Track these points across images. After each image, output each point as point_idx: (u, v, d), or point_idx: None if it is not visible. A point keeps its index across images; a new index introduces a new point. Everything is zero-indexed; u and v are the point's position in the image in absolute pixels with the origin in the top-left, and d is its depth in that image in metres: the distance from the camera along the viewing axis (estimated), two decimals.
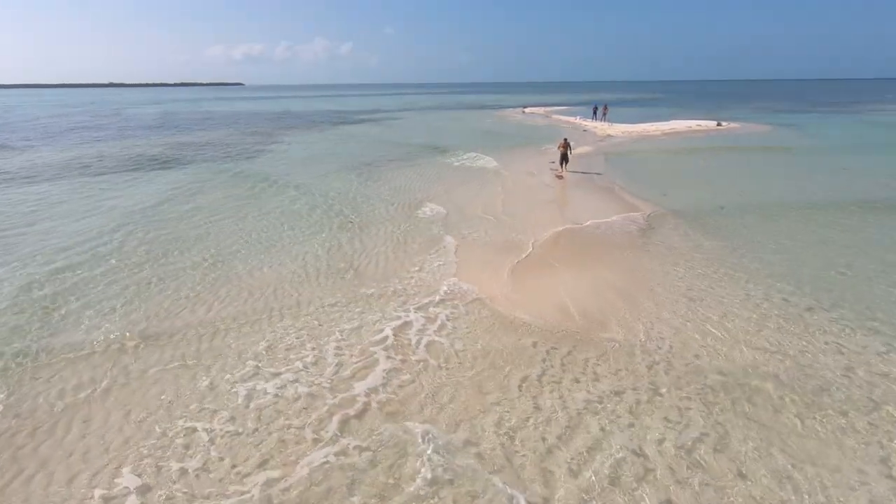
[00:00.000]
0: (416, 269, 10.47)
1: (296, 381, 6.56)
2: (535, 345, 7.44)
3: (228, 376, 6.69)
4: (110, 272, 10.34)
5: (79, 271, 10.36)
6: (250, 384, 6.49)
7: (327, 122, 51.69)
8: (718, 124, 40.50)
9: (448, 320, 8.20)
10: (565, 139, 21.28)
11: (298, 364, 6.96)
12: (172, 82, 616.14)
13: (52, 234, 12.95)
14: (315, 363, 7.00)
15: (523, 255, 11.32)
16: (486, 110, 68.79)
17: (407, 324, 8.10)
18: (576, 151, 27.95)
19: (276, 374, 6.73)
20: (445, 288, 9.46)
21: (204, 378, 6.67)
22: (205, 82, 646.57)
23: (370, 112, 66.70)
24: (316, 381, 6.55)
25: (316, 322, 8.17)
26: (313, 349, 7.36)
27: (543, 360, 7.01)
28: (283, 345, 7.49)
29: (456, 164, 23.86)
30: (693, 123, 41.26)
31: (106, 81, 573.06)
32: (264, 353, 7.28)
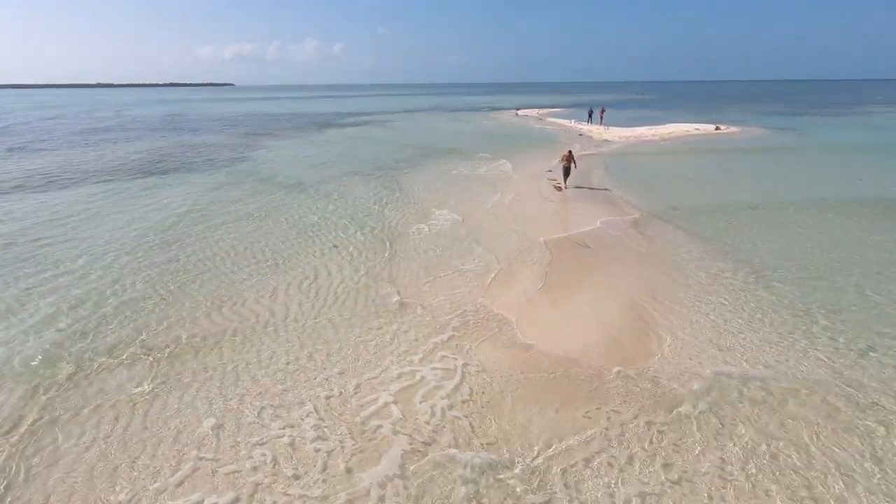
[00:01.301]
0: (434, 286, 9.14)
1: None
2: (587, 415, 6.12)
3: (157, 483, 5.19)
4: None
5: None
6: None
7: (327, 124, 50.51)
8: (717, 128, 39.46)
9: (464, 378, 6.84)
10: (570, 151, 19.47)
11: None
12: (161, 82, 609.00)
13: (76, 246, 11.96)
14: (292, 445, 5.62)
15: (545, 278, 10.23)
16: (480, 112, 67.59)
17: (416, 383, 6.75)
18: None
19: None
20: (458, 321, 8.22)
21: (124, 486, 5.16)
22: (194, 83, 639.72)
23: (369, 114, 65.61)
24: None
25: (285, 385, 6.79)
26: (285, 427, 5.96)
27: (604, 433, 5.76)
28: (241, 424, 6.09)
29: (465, 168, 23.68)
30: (691, 127, 40.18)
31: (94, 82, 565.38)
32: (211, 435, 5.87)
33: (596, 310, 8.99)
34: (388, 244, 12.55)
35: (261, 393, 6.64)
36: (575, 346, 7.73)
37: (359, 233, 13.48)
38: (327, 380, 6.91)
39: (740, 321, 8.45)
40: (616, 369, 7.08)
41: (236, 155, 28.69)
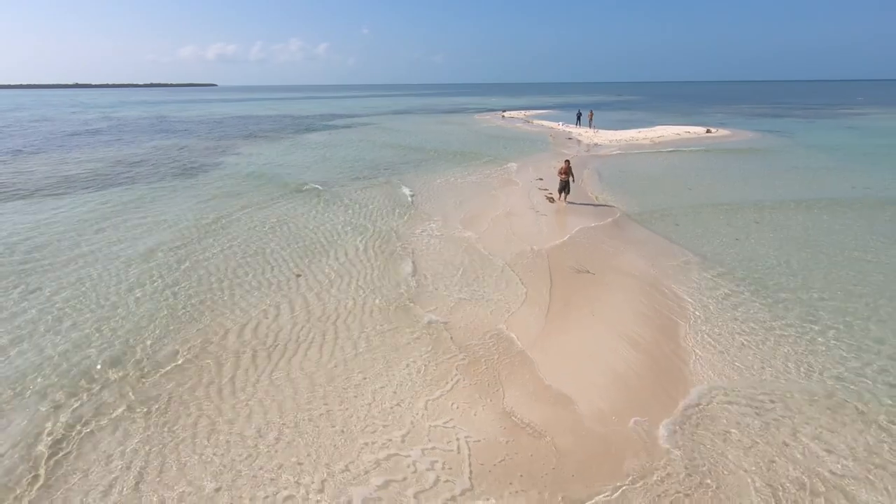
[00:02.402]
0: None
1: None
2: None
3: None
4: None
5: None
6: None
7: (318, 126, 48.72)
8: (708, 131, 38.70)
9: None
10: (567, 163, 16.99)
11: None
12: (142, 83, 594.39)
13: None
14: None
15: (547, 310, 8.66)
16: (468, 114, 66.04)
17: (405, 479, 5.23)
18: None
19: None
20: (460, 365, 6.67)
21: None
22: (176, 83, 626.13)
23: (358, 116, 64.05)
24: None
25: (219, 482, 5.27)
26: None
27: None
28: None
29: (473, 171, 23.23)
30: (681, 130, 39.35)
31: (71, 82, 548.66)
32: None
33: (605, 349, 7.64)
34: (375, 265, 11.06)
35: (183, 495, 5.11)
36: (593, 396, 6.36)
37: (340, 254, 11.97)
38: (280, 470, 5.42)
39: (769, 365, 7.18)
40: (642, 420, 5.73)
41: (229, 160, 27.28)
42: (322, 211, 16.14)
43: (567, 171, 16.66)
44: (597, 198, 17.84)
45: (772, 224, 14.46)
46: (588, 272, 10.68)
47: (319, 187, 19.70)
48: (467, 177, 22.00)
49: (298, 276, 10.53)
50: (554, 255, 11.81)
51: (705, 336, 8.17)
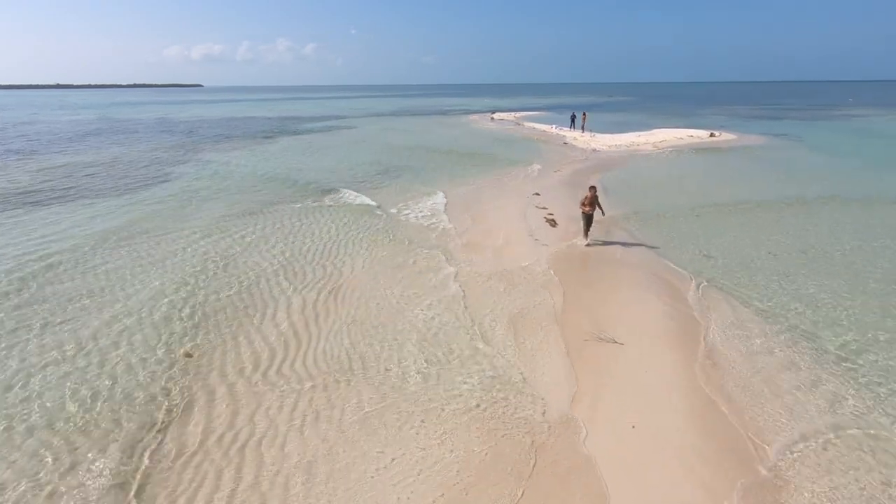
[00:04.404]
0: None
1: None
2: None
3: None
4: None
5: None
6: None
7: (317, 129, 46.25)
8: (711, 135, 36.31)
9: None
10: (592, 191, 12.61)
11: None
12: (125, 83, 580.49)
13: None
14: None
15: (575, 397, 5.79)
16: (460, 116, 63.15)
17: None
18: (564, 172, 23.01)
19: None
20: None
21: None
22: (160, 83, 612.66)
23: (350, 117, 61.46)
24: None
25: None
26: None
27: None
28: None
29: (466, 180, 21.42)
30: (683, 133, 36.89)
31: (53, 83, 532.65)
32: None
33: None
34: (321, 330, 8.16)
35: None
36: None
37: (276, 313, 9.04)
38: None
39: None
40: None
41: (229, 163, 26.09)
42: (320, 227, 13.24)
43: (593, 202, 12.43)
44: (608, 218, 15.05)
45: (827, 251, 11.83)
46: (615, 342, 7.87)
47: (323, 199, 17.85)
48: (458, 187, 19.39)
49: (189, 356, 7.48)
50: (570, 318, 8.94)
51: (801, 468, 5.41)
